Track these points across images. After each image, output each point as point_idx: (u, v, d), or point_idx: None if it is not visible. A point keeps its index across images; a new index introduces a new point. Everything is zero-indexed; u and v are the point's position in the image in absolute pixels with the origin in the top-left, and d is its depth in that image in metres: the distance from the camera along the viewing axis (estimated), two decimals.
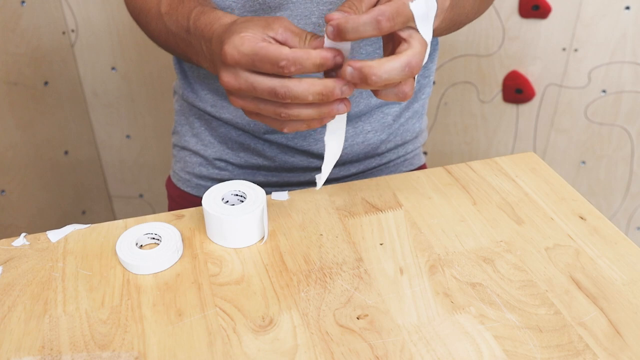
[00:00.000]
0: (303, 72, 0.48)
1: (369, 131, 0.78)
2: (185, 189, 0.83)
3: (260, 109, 0.51)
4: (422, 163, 0.87)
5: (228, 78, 0.50)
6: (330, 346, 0.49)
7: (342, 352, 0.48)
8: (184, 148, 0.82)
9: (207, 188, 0.80)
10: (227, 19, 0.54)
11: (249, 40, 0.48)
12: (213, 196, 0.60)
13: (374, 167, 0.82)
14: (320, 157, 0.77)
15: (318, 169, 0.79)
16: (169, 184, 0.87)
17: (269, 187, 0.79)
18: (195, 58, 0.60)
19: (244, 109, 0.52)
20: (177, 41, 0.62)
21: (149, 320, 0.51)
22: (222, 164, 0.79)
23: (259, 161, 0.78)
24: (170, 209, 0.87)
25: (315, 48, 0.48)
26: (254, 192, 0.61)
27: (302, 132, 0.75)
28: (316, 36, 0.49)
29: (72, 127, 1.43)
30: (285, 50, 0.47)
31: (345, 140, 0.77)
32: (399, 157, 0.83)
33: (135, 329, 0.50)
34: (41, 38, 1.29)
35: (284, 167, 0.79)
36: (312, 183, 0.80)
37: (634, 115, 1.39)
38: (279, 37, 0.49)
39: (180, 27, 0.61)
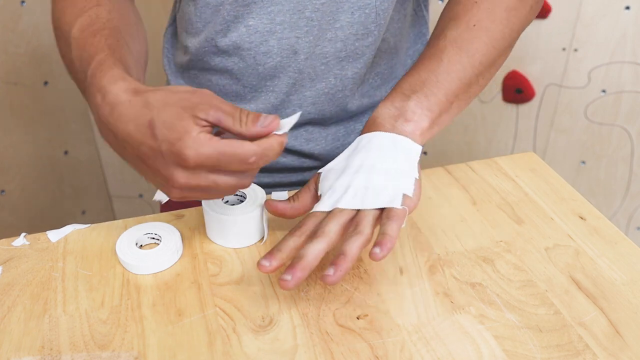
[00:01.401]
0: (267, 162, 0.48)
1: (360, 130, 0.78)
2: None
3: (198, 196, 0.50)
4: None
5: (186, 179, 0.47)
6: (330, 346, 0.49)
7: (342, 352, 0.48)
8: None
9: None
10: (123, 85, 0.49)
11: (208, 141, 0.46)
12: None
13: None
14: (311, 157, 0.77)
15: (309, 169, 0.79)
16: None
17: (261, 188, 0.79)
18: (88, 100, 0.54)
19: (179, 198, 0.50)
20: (77, 76, 0.57)
21: (148, 320, 0.51)
22: None
23: None
24: (162, 211, 0.86)
25: (256, 130, 0.47)
26: (254, 192, 0.61)
27: (293, 132, 0.75)
28: (249, 114, 0.48)
29: (72, 127, 1.43)
30: (251, 147, 0.46)
31: (337, 141, 0.77)
32: None
33: (135, 329, 0.50)
34: (41, 38, 1.29)
35: (275, 168, 0.78)
36: (304, 183, 0.79)
37: (634, 115, 1.39)
38: (211, 119, 0.47)
39: (82, 65, 0.55)
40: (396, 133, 0.57)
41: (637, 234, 1.55)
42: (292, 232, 0.52)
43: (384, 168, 0.55)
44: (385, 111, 0.59)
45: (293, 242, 0.51)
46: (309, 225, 0.53)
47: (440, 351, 0.48)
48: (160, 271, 0.56)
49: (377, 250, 0.49)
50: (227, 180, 0.48)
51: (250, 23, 0.65)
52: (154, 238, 0.60)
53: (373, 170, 0.55)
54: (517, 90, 1.41)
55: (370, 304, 0.53)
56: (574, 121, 1.43)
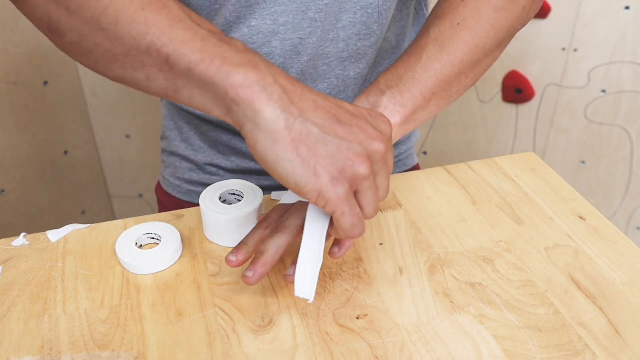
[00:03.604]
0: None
1: None
2: (176, 195, 0.82)
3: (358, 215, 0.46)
4: (415, 163, 0.86)
5: (386, 146, 0.46)
6: (330, 346, 0.49)
7: (341, 352, 0.48)
8: (173, 153, 0.80)
9: (198, 194, 0.79)
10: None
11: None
12: (210, 195, 0.60)
13: None
14: None
15: None
16: (159, 190, 0.86)
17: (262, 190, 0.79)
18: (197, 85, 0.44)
19: (351, 225, 0.45)
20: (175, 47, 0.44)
21: (148, 320, 0.51)
22: (214, 169, 0.78)
23: (251, 165, 0.78)
24: (162, 211, 0.86)
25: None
26: (252, 191, 0.61)
27: None
28: None
29: (72, 127, 1.43)
30: None
31: None
32: None
33: (135, 329, 0.50)
34: (41, 38, 1.29)
35: None
36: None
37: (633, 115, 1.39)
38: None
39: (206, 29, 0.45)
40: None
41: (637, 234, 1.55)
42: (259, 224, 0.53)
43: None
44: (359, 105, 0.59)
45: (259, 235, 0.52)
46: (274, 217, 0.54)
47: (440, 351, 0.48)
48: (160, 271, 0.56)
49: (335, 249, 0.53)
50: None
51: (253, 24, 0.64)
52: (153, 238, 0.60)
53: None
54: (517, 90, 1.41)
55: (370, 304, 0.53)
56: (574, 121, 1.43)
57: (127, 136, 1.48)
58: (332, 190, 0.43)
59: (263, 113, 0.42)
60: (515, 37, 0.64)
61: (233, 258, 0.51)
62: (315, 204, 0.44)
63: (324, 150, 0.43)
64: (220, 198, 0.60)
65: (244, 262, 0.51)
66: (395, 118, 0.57)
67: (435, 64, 0.58)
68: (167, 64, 0.44)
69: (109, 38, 0.45)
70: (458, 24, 0.59)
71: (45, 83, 1.35)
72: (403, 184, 0.69)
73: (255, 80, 0.42)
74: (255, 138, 0.43)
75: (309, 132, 0.43)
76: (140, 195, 1.59)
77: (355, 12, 0.64)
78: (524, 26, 0.64)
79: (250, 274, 0.49)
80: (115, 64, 0.47)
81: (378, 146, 0.45)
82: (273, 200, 0.66)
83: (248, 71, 0.42)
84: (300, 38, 0.65)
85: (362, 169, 0.44)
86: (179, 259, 0.58)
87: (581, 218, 0.63)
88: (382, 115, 0.48)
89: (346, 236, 0.46)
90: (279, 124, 0.42)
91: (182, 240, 0.60)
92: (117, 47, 0.45)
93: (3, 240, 0.61)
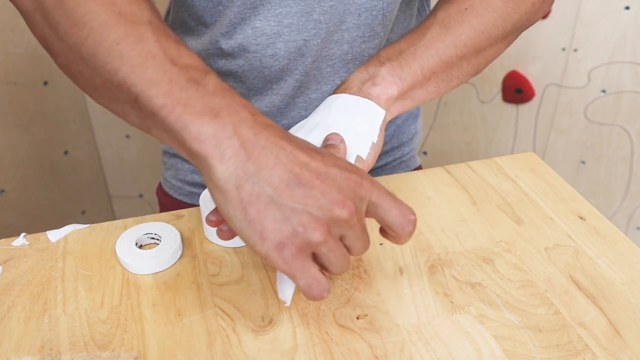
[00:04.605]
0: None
1: None
2: (177, 197, 0.81)
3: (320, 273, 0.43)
4: (417, 164, 0.86)
5: (355, 209, 0.42)
6: (330, 346, 0.49)
7: (341, 352, 0.48)
8: (175, 155, 0.80)
9: (199, 195, 0.79)
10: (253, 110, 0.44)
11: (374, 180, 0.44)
12: (210, 195, 0.60)
13: (370, 171, 0.81)
14: None
15: None
16: (160, 192, 0.85)
17: None
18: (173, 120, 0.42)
19: (309, 283, 0.43)
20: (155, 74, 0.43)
21: (148, 320, 0.51)
22: None
23: None
24: (162, 211, 0.85)
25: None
26: None
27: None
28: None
29: (72, 127, 1.43)
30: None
31: None
32: (395, 160, 0.82)
33: (135, 328, 0.50)
34: None
35: None
36: None
37: (633, 115, 1.39)
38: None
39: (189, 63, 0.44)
40: (361, 96, 0.57)
41: (637, 234, 1.55)
42: None
43: (341, 128, 0.54)
44: (356, 75, 0.58)
45: None
46: None
47: (440, 351, 0.48)
48: (160, 271, 0.56)
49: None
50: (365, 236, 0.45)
51: (257, 25, 0.64)
52: (153, 238, 0.60)
53: (328, 129, 0.54)
54: (517, 90, 1.41)
55: (370, 304, 0.53)
56: (574, 121, 1.43)
57: (127, 136, 1.48)
58: (276, 255, 0.41)
59: (215, 170, 0.41)
60: None
61: (213, 217, 0.49)
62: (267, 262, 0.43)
63: (274, 214, 0.41)
64: None
65: (224, 221, 0.50)
66: (392, 90, 0.57)
67: (438, 43, 0.58)
68: (137, 103, 0.43)
69: (88, 67, 0.45)
70: (466, 9, 0.60)
71: (45, 83, 1.35)
72: (402, 184, 0.69)
73: (211, 134, 0.41)
74: (211, 191, 0.43)
75: (260, 193, 0.41)
76: (140, 195, 1.59)
77: (359, 14, 0.64)
78: (532, 24, 0.64)
79: (225, 227, 0.48)
80: (95, 93, 0.47)
81: (339, 213, 0.41)
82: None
83: (205, 122, 0.41)
84: (305, 39, 0.65)
85: (315, 236, 0.41)
86: (179, 259, 0.58)
87: (581, 218, 0.63)
88: (359, 173, 0.44)
89: (307, 297, 0.44)
90: (229, 183, 0.41)
91: (182, 240, 0.60)
92: (95, 77, 0.45)
93: (3, 240, 0.61)
